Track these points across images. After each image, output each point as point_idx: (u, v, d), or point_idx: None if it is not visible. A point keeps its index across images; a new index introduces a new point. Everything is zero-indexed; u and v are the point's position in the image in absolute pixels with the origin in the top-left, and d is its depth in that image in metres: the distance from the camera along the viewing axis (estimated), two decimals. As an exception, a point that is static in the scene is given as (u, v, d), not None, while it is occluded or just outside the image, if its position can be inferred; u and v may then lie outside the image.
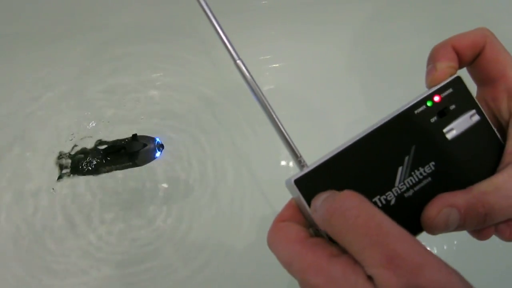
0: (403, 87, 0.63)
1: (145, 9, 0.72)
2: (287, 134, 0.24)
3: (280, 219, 0.23)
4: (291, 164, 0.67)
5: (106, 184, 0.62)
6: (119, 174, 0.63)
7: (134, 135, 0.63)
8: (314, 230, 0.23)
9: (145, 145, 0.63)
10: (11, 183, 0.62)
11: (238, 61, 0.25)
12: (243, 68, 0.24)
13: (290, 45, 0.74)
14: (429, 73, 0.26)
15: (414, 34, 0.75)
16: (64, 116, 0.66)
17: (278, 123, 0.24)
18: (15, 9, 0.67)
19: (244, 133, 0.67)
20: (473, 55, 0.26)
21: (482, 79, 0.27)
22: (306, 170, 0.23)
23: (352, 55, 0.74)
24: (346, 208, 0.19)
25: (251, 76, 0.24)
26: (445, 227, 0.23)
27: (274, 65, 0.73)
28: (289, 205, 0.24)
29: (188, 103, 0.69)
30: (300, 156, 0.24)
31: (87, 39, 0.70)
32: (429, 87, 0.26)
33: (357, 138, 0.24)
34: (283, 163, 0.67)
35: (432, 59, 0.26)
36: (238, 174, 0.65)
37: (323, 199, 0.21)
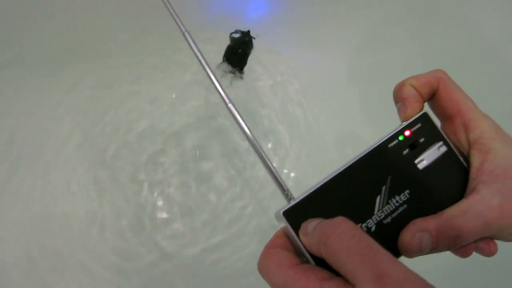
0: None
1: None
2: (275, 170, 0.26)
3: (271, 246, 0.25)
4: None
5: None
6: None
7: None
8: (301, 259, 0.25)
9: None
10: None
11: (229, 104, 0.28)
12: (234, 111, 0.27)
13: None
14: (400, 110, 0.30)
15: (406, 43, 0.80)
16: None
17: (267, 160, 0.27)
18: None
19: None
20: (429, 93, 0.29)
21: (442, 115, 0.30)
22: (293, 202, 0.25)
23: (342, 68, 0.79)
24: (342, 231, 0.22)
25: (241, 118, 0.27)
26: (419, 250, 0.25)
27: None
28: (279, 234, 0.26)
29: (182, 120, 0.72)
30: (287, 190, 0.26)
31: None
32: (403, 121, 0.29)
33: (338, 171, 0.27)
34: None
35: (400, 98, 0.30)
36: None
37: (315, 224, 0.23)
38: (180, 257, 0.66)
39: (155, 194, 0.70)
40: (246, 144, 0.71)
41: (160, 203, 0.70)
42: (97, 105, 0.74)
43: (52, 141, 0.71)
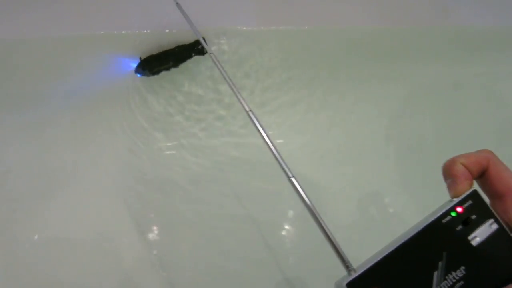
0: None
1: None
2: (336, 242, 0.28)
3: None
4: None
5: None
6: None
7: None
8: None
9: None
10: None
11: (292, 178, 0.30)
12: (297, 186, 0.30)
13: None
14: (450, 186, 0.31)
15: (437, 115, 0.87)
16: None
17: (327, 231, 0.28)
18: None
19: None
20: (478, 172, 0.31)
21: (491, 194, 0.31)
22: (355, 275, 0.27)
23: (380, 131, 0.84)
24: None
25: (304, 192, 0.29)
26: None
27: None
28: None
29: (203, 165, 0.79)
30: (348, 261, 0.28)
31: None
32: (453, 197, 0.31)
33: (397, 245, 0.28)
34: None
35: (450, 175, 0.31)
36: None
37: None
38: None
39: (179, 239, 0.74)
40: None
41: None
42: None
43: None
